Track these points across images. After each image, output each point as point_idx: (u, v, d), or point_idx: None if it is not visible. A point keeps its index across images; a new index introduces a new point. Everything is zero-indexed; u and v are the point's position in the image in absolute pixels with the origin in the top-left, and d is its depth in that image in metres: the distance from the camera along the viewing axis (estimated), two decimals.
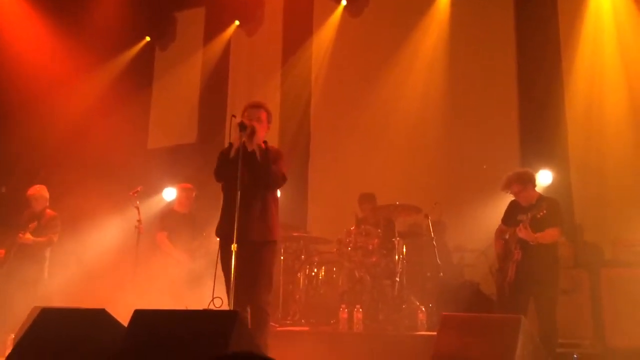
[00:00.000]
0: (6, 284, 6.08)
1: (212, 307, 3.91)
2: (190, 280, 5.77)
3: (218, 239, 4.24)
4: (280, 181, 4.30)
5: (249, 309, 4.18)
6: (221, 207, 4.27)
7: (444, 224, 6.82)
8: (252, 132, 4.19)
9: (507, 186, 5.07)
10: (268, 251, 4.19)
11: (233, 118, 4.22)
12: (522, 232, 4.79)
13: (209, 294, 4.13)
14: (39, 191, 6.67)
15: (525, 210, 4.91)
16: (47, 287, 6.33)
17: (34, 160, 8.15)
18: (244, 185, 4.06)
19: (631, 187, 6.18)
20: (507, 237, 5.05)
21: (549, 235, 4.80)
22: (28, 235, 6.32)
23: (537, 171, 6.39)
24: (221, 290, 3.99)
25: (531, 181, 5.04)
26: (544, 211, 4.74)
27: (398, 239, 6.12)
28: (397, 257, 6.04)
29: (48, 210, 6.68)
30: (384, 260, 6.13)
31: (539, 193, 5.10)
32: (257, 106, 4.39)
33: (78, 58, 8.36)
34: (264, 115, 4.34)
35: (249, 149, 4.10)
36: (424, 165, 7.32)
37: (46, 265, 6.52)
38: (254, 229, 4.09)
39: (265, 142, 4.42)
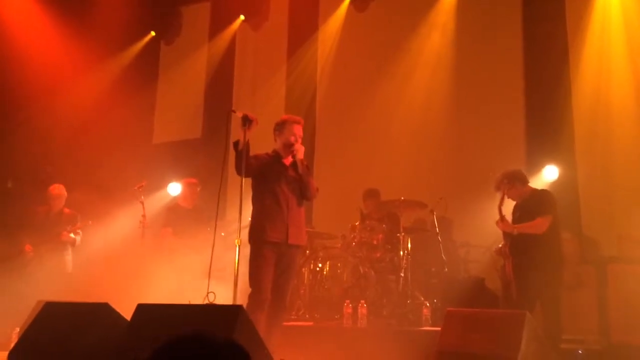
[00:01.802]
0: (31, 279, 6.16)
1: (207, 301, 3.91)
2: (194, 275, 5.76)
3: (230, 232, 4.30)
4: (315, 193, 4.48)
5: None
6: (256, 209, 4.32)
7: (449, 219, 6.80)
8: (292, 147, 4.33)
9: (498, 187, 5.11)
10: (300, 254, 4.52)
11: (233, 113, 4.24)
12: (500, 225, 4.86)
13: (213, 289, 4.14)
14: (60, 190, 6.77)
15: (516, 208, 4.93)
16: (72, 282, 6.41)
17: (40, 155, 8.17)
18: (289, 191, 4.25)
19: (638, 183, 6.14)
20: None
21: (533, 225, 4.76)
22: (72, 235, 6.53)
23: (543, 167, 6.38)
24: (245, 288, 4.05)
25: (517, 178, 5.05)
26: (519, 202, 4.79)
27: (403, 234, 6.10)
28: (401, 252, 6.02)
29: (66, 209, 6.78)
30: (388, 256, 6.12)
31: (532, 188, 5.08)
32: (301, 123, 4.51)
33: (84, 53, 8.36)
34: (302, 132, 4.48)
35: (300, 156, 4.33)
36: (429, 160, 7.29)
37: (70, 261, 6.64)
38: (292, 233, 4.25)
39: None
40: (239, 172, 4.18)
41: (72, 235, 6.53)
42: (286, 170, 4.35)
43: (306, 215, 7.72)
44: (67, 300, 4.12)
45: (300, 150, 4.29)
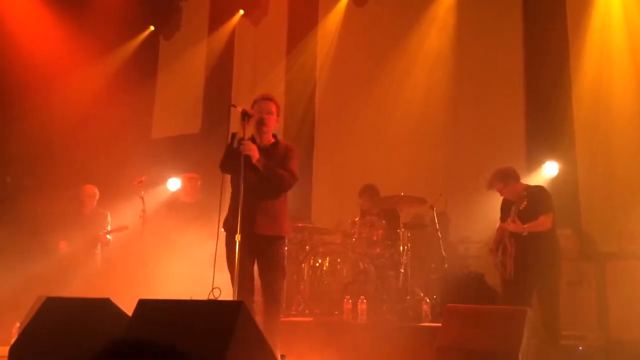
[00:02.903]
0: (65, 276, 6.24)
1: (212, 297, 3.89)
2: (195, 271, 5.76)
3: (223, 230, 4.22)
4: (287, 183, 4.22)
5: (254, 299, 4.19)
6: (229, 200, 4.26)
7: (449, 215, 6.80)
8: (263, 124, 4.19)
9: (490, 185, 5.12)
10: (278, 245, 4.20)
11: (233, 108, 4.20)
12: (511, 226, 4.83)
13: (219, 284, 4.13)
14: (93, 190, 6.92)
15: (514, 207, 4.91)
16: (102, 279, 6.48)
17: (39, 149, 8.14)
18: (250, 179, 4.04)
19: (638, 179, 6.13)
20: (504, 233, 5.07)
21: (539, 223, 4.80)
22: (108, 237, 6.72)
23: (543, 163, 6.37)
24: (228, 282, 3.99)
25: (511, 176, 5.05)
26: (525, 202, 4.75)
27: (402, 230, 6.10)
28: (401, 248, 6.02)
29: (99, 208, 6.92)
30: (388, 251, 6.12)
31: (525, 185, 5.09)
32: (269, 99, 4.34)
33: (82, 47, 8.32)
34: (274, 108, 4.31)
35: (253, 161, 4.05)
36: (428, 156, 7.28)
37: (99, 259, 6.79)
38: (260, 222, 4.07)
39: (275, 135, 4.40)
40: (224, 168, 4.16)
41: (108, 237, 6.73)
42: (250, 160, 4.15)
43: (306, 210, 7.80)
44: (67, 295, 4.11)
45: (245, 148, 4.03)
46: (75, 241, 6.55)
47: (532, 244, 4.79)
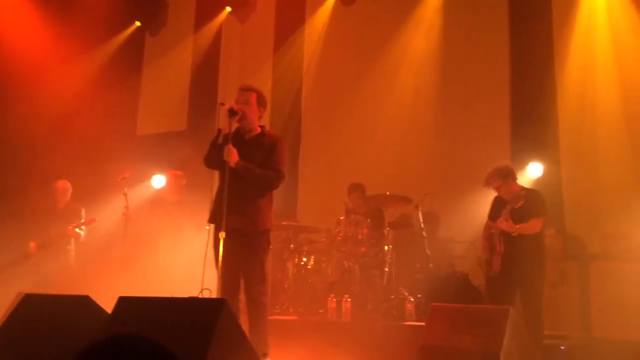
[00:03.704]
0: (34, 274, 6.14)
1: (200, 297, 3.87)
2: (179, 269, 5.72)
3: (211, 225, 4.19)
4: (272, 182, 4.18)
5: (240, 299, 4.16)
6: (215, 195, 4.22)
7: (434, 215, 6.81)
8: (243, 117, 4.14)
9: (488, 182, 5.13)
10: (257, 241, 4.12)
11: (221, 106, 4.16)
12: (503, 224, 4.85)
13: (198, 282, 4.10)
14: (65, 185, 6.76)
15: (508, 206, 4.92)
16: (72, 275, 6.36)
17: (22, 145, 8.03)
18: (233, 174, 4.01)
19: (622, 180, 6.19)
20: (492, 231, 5.07)
21: (531, 226, 4.83)
22: (77, 230, 6.50)
23: (527, 164, 6.40)
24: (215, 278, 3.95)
25: (510, 175, 5.07)
26: (521, 202, 4.78)
27: (388, 229, 6.10)
28: (386, 247, 6.02)
29: (71, 203, 6.76)
30: (373, 251, 6.11)
31: (521, 186, 5.12)
32: (247, 89, 4.29)
33: (67, 42, 8.22)
34: (253, 98, 4.24)
35: (232, 166, 4.00)
36: (415, 155, 7.30)
37: (73, 255, 6.61)
38: (241, 218, 4.03)
39: (262, 126, 4.36)
40: (208, 164, 4.13)
41: (77, 230, 6.52)
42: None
43: (291, 208, 7.78)
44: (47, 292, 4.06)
45: (224, 153, 4.00)
46: (46, 237, 6.40)
47: (520, 245, 4.82)
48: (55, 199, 6.71)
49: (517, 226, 4.81)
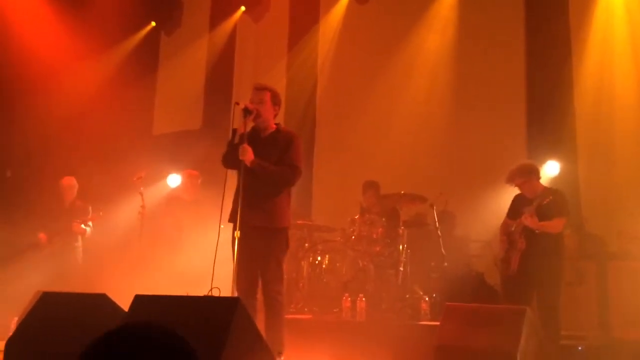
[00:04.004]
0: (43, 270, 6.16)
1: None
2: (194, 267, 5.75)
3: (228, 224, 4.20)
4: (288, 179, 4.19)
5: (257, 297, 4.17)
6: (234, 194, 4.24)
7: (449, 213, 6.78)
8: (258, 116, 4.16)
9: (511, 179, 5.05)
10: (275, 239, 4.13)
11: (236, 105, 4.18)
12: (528, 220, 4.76)
13: (213, 280, 4.11)
14: (71, 181, 6.82)
15: (530, 202, 4.87)
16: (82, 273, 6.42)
17: (39, 144, 8.13)
18: (250, 172, 4.03)
19: (639, 179, 6.11)
20: (512, 229, 5.01)
21: (555, 224, 4.78)
22: (83, 226, 6.55)
23: (544, 162, 6.34)
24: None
25: (534, 173, 5.00)
26: (550, 197, 4.73)
27: (402, 228, 6.09)
28: (401, 246, 6.00)
29: (78, 200, 6.81)
30: (387, 250, 6.10)
31: (543, 185, 5.06)
32: (261, 88, 4.30)
33: (83, 43, 8.30)
34: (267, 97, 4.24)
35: (248, 165, 4.02)
36: (429, 154, 7.26)
37: (81, 252, 6.68)
38: (258, 215, 4.04)
39: (277, 124, 4.36)
40: (226, 164, 4.15)
41: (82, 226, 6.56)
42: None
43: (306, 208, 7.79)
44: (71, 290, 4.11)
45: (240, 152, 4.02)
46: (54, 236, 6.49)
47: (541, 243, 4.76)
48: (62, 196, 6.78)
49: (542, 223, 4.74)
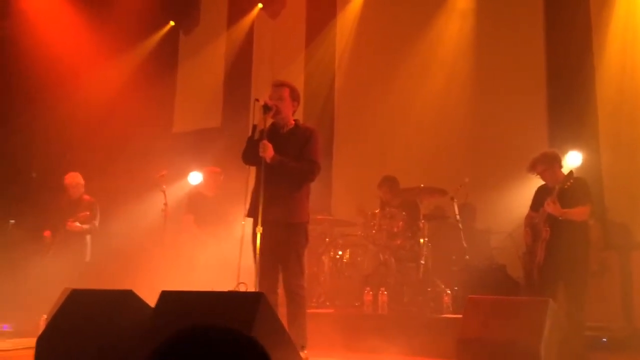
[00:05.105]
0: (50, 268, 6.22)
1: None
2: (215, 263, 5.82)
3: (250, 220, 4.23)
4: (308, 174, 4.21)
5: (278, 292, 4.21)
6: (252, 190, 4.29)
7: (470, 206, 6.75)
8: (277, 112, 4.19)
9: (533, 167, 4.99)
10: (295, 234, 4.15)
11: (256, 102, 4.21)
12: (550, 207, 4.69)
13: (234, 276, 4.17)
14: (75, 178, 6.79)
15: (553, 192, 4.81)
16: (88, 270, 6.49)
17: (62, 144, 8.27)
18: (269, 168, 4.07)
19: None
20: (536, 220, 4.96)
21: (578, 212, 4.69)
22: (77, 224, 6.49)
23: (566, 152, 6.26)
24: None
25: (557, 160, 4.94)
26: (571, 181, 4.65)
27: (423, 221, 6.08)
28: (422, 240, 6.00)
29: (85, 196, 6.80)
30: (408, 243, 6.10)
31: (563, 173, 5.00)
32: (280, 84, 4.32)
33: (104, 43, 8.42)
34: (286, 93, 4.27)
35: (268, 161, 4.05)
36: (449, 147, 7.23)
37: (88, 251, 6.68)
38: (277, 210, 4.07)
39: (296, 120, 4.39)
40: (246, 160, 4.19)
41: (77, 224, 6.49)
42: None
43: (325, 202, 7.81)
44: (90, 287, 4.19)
45: (260, 149, 4.04)
46: (57, 233, 6.50)
47: (567, 231, 4.68)
48: (67, 192, 6.77)
49: (565, 210, 4.66)
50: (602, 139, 6.48)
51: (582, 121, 6.54)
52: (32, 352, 3.32)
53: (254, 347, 1.22)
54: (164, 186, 6.67)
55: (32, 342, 3.48)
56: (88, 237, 6.69)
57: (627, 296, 5.35)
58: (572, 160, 6.18)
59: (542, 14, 7.09)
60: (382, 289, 5.55)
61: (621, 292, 5.39)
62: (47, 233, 6.55)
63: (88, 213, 6.53)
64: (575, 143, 6.32)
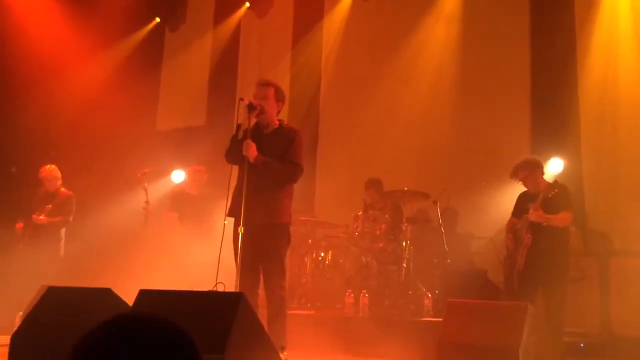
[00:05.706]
0: (22, 263, 6.12)
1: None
2: (198, 262, 5.77)
3: (231, 219, 4.20)
4: (291, 176, 4.20)
5: (259, 292, 4.18)
6: (233, 190, 4.26)
7: (453, 210, 6.78)
8: (262, 111, 4.17)
9: (515, 173, 5.05)
10: (276, 235, 4.14)
11: (241, 101, 4.19)
12: (534, 215, 4.74)
13: (220, 276, 4.13)
14: (51, 172, 6.65)
15: (535, 198, 4.86)
16: (61, 266, 6.39)
17: (43, 140, 8.16)
18: (252, 167, 4.04)
19: None
20: (518, 226, 5.00)
21: (561, 218, 4.75)
22: (42, 217, 6.36)
23: (548, 159, 6.33)
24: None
25: (539, 167, 5.00)
26: (555, 190, 4.70)
27: (406, 224, 6.10)
28: (404, 243, 6.01)
29: (62, 190, 6.66)
30: (390, 246, 6.11)
31: (547, 180, 5.05)
32: (265, 84, 4.31)
33: (88, 38, 8.33)
34: (271, 92, 4.25)
35: (251, 161, 4.03)
36: (433, 151, 7.26)
37: (62, 245, 6.56)
38: (259, 211, 4.06)
39: (280, 120, 4.37)
40: (229, 159, 4.17)
41: (42, 217, 6.35)
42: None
43: (309, 204, 7.80)
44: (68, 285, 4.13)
45: (244, 148, 4.02)
46: (28, 226, 6.40)
47: (548, 238, 4.74)
48: (44, 185, 6.63)
49: (549, 216, 4.71)
50: (583, 147, 6.55)
51: (564, 128, 6.61)
52: (6, 350, 3.26)
53: (180, 336, 1.19)
54: (146, 184, 6.61)
55: (6, 339, 3.42)
56: (62, 231, 6.56)
57: (605, 302, 5.41)
58: (554, 167, 6.25)
59: (527, 22, 7.15)
60: (364, 291, 5.55)
61: (599, 298, 5.45)
62: (19, 225, 6.45)
63: (50, 207, 6.38)
64: (557, 150, 6.39)
